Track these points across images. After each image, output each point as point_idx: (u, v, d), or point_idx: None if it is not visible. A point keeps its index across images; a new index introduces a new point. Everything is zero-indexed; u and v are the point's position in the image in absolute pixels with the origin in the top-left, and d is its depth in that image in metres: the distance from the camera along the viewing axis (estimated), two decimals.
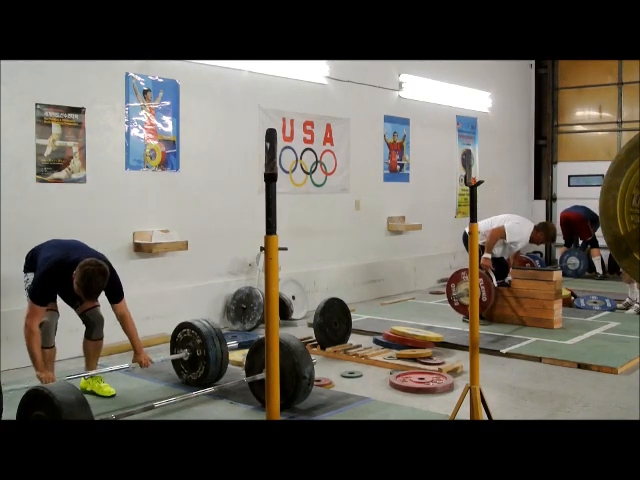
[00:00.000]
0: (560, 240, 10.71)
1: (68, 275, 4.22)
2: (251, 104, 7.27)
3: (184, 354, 4.83)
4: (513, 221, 6.81)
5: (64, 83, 5.74)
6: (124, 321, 4.50)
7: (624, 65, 11.37)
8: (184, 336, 4.88)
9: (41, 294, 4.25)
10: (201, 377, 4.78)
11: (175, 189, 6.61)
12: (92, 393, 4.63)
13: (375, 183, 8.95)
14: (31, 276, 4.49)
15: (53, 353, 4.54)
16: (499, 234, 6.60)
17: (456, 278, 6.91)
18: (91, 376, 4.66)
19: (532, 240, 7.01)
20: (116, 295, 4.47)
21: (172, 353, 4.96)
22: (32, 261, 4.55)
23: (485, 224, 6.81)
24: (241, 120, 7.19)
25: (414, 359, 5.42)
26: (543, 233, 6.88)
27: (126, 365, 4.67)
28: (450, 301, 6.98)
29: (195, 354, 4.80)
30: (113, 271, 4.40)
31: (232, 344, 5.05)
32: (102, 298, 4.55)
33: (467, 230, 6.97)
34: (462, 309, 6.89)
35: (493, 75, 11.14)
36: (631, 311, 7.61)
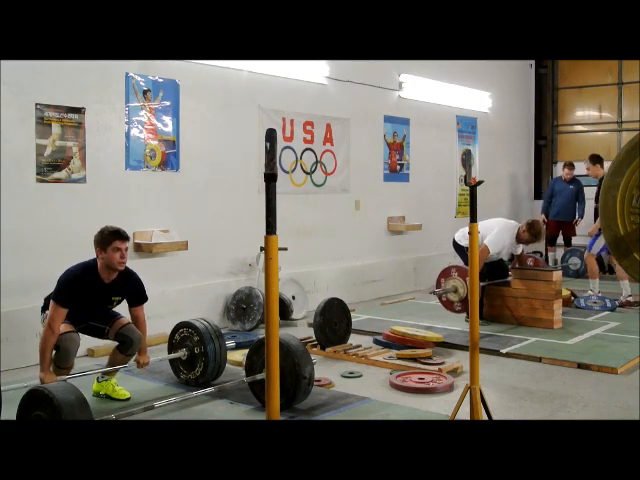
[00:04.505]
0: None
1: (89, 277, 4.30)
2: (251, 104, 7.27)
3: (182, 353, 4.82)
4: (492, 233, 6.77)
5: (64, 83, 5.74)
6: (137, 322, 4.54)
7: (624, 65, 11.38)
8: (181, 336, 4.88)
9: (65, 294, 4.22)
10: (200, 375, 4.78)
11: (175, 189, 6.61)
12: (106, 397, 4.61)
13: (375, 183, 8.95)
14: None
15: (69, 372, 4.38)
16: (485, 254, 6.59)
17: (446, 273, 6.93)
18: (105, 380, 4.64)
19: (520, 240, 6.96)
20: (139, 298, 4.54)
21: (170, 350, 4.95)
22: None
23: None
24: (241, 120, 7.19)
25: (414, 359, 5.42)
26: (527, 232, 6.84)
27: (125, 365, 4.66)
28: (438, 295, 6.99)
29: (193, 352, 4.80)
30: (136, 274, 4.55)
31: (230, 344, 5.04)
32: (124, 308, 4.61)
33: (456, 237, 7.10)
34: (448, 304, 6.92)
35: (493, 75, 11.14)
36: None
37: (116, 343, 4.58)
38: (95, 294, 4.38)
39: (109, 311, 4.59)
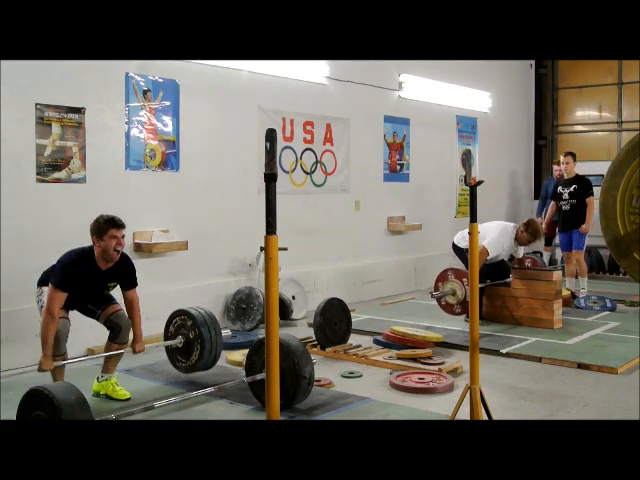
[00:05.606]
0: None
1: (87, 264, 4.37)
2: (251, 104, 7.27)
3: (178, 341, 4.83)
4: (491, 236, 6.75)
5: (64, 83, 5.74)
6: (132, 306, 4.61)
7: (624, 65, 11.37)
8: (175, 326, 4.90)
9: (64, 279, 4.28)
10: (198, 359, 4.77)
11: (175, 189, 6.61)
12: (106, 397, 4.62)
13: (375, 183, 8.94)
14: (46, 289, 4.44)
15: (63, 358, 4.46)
16: (484, 256, 6.58)
17: (443, 277, 6.93)
18: (105, 379, 4.65)
19: (520, 241, 6.96)
20: (132, 281, 4.62)
21: (166, 347, 4.95)
22: (48, 276, 4.51)
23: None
24: (241, 120, 7.19)
25: (414, 359, 5.42)
26: (526, 232, 6.84)
27: (120, 351, 4.64)
28: (437, 300, 6.98)
29: (188, 338, 4.80)
30: (129, 258, 4.66)
31: (225, 332, 5.04)
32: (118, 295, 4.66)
33: (455, 240, 7.10)
34: (447, 307, 6.92)
35: (493, 75, 11.14)
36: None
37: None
38: (93, 281, 4.45)
39: (105, 295, 4.65)
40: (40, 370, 4.18)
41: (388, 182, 9.15)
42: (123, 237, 4.43)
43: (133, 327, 4.62)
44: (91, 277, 4.42)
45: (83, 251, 4.43)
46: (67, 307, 4.47)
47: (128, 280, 4.61)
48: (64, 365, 4.47)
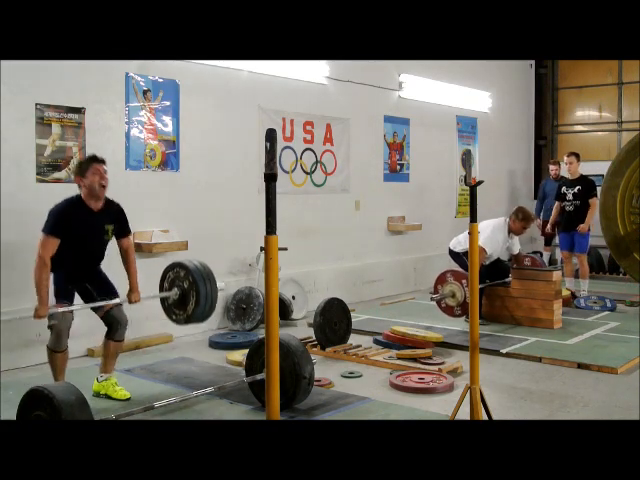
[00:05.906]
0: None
1: (78, 208, 4.40)
2: (251, 104, 7.27)
3: (174, 293, 4.77)
4: (485, 234, 6.71)
5: (64, 83, 5.74)
6: (127, 254, 4.68)
7: (624, 65, 11.38)
8: (169, 281, 4.83)
9: (54, 223, 4.30)
10: (194, 309, 4.70)
11: (175, 189, 6.61)
12: (106, 397, 4.61)
13: (375, 183, 8.94)
14: (50, 275, 4.44)
15: (65, 357, 4.47)
16: (482, 255, 6.57)
17: (442, 279, 6.92)
18: (105, 379, 4.65)
19: (515, 231, 6.95)
20: (125, 227, 4.70)
21: (162, 300, 4.88)
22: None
23: (466, 236, 6.74)
24: (241, 120, 7.19)
25: (414, 359, 5.42)
26: (517, 220, 6.84)
27: (116, 300, 4.61)
28: (437, 302, 6.96)
29: (184, 289, 4.74)
30: (120, 205, 4.70)
31: (220, 284, 5.00)
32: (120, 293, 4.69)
33: (451, 245, 7.10)
34: (448, 310, 6.91)
35: (493, 75, 11.14)
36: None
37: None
38: (88, 224, 4.44)
39: (108, 284, 4.63)
40: (36, 317, 4.19)
41: (388, 182, 9.15)
42: (106, 173, 4.43)
43: (129, 277, 4.66)
44: (85, 220, 4.41)
45: (70, 198, 4.46)
46: (69, 284, 4.45)
47: (121, 226, 4.66)
48: (66, 362, 4.48)
